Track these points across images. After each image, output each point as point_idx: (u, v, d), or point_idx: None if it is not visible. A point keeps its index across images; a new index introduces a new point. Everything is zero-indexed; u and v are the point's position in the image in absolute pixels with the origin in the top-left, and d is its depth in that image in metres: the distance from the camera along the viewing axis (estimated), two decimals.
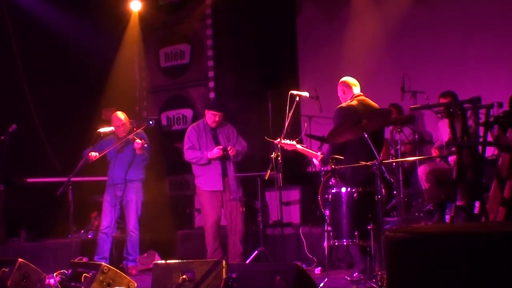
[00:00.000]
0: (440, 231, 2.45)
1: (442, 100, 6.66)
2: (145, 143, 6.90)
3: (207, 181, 6.93)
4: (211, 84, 9.33)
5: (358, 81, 5.77)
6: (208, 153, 6.86)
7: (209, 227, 6.90)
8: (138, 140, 6.90)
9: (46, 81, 8.48)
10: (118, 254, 7.34)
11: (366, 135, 4.91)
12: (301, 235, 7.24)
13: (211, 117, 6.97)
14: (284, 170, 6.11)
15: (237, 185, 6.97)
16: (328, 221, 5.37)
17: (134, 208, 7.15)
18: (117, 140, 7.12)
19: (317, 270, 6.68)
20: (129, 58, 9.66)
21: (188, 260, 5.13)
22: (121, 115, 7.22)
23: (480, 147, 4.82)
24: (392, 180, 6.30)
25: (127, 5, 9.42)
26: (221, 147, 6.85)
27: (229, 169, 6.95)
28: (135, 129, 7.12)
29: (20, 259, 5.67)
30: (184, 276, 4.85)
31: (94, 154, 6.89)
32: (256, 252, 6.75)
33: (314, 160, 5.88)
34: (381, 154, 6.26)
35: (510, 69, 7.60)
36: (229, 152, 6.84)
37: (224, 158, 6.89)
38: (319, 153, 5.88)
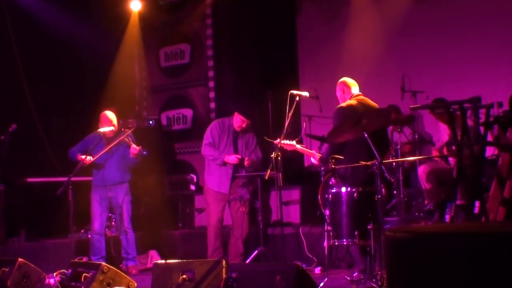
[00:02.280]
0: (440, 231, 2.46)
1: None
2: (144, 151, 6.84)
3: (215, 181, 6.94)
4: (211, 84, 9.34)
5: (358, 81, 5.77)
6: (226, 157, 6.86)
7: (212, 226, 6.91)
8: (134, 146, 6.82)
9: (46, 81, 8.47)
10: (117, 255, 7.33)
11: (366, 135, 4.91)
12: (301, 235, 7.24)
13: (239, 121, 6.92)
14: (284, 170, 6.11)
15: (243, 186, 6.96)
16: (328, 221, 5.37)
17: (126, 208, 7.13)
18: (105, 139, 7.04)
19: (317, 270, 6.68)
20: (129, 58, 9.66)
21: (188, 260, 5.13)
22: (110, 115, 7.10)
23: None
24: (392, 180, 6.30)
25: (127, 5, 9.43)
26: (239, 157, 6.85)
27: (241, 174, 6.97)
28: (123, 129, 7.03)
29: (20, 259, 5.67)
30: (184, 276, 4.86)
31: (89, 158, 6.80)
32: (256, 252, 6.75)
33: (312, 159, 5.88)
34: (388, 154, 6.28)
35: (510, 69, 7.60)
36: (245, 163, 6.85)
37: (238, 165, 6.90)
38: (313, 151, 5.90)
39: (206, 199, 7.14)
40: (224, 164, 6.88)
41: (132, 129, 7.04)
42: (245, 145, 7.01)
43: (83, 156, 6.81)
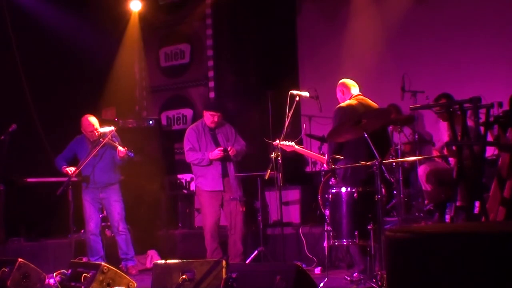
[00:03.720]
0: (440, 231, 2.45)
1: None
2: (130, 152, 6.79)
3: (207, 182, 6.94)
4: (211, 84, 9.33)
5: (358, 81, 5.78)
6: (210, 154, 6.86)
7: (208, 227, 6.91)
8: (121, 148, 6.80)
9: (46, 81, 8.47)
10: (116, 255, 7.31)
11: (366, 135, 4.92)
12: (301, 235, 7.24)
13: (209, 117, 6.96)
14: (284, 170, 6.11)
15: (237, 185, 6.98)
16: (328, 221, 5.38)
17: (119, 209, 7.13)
18: (89, 142, 7.03)
19: (317, 270, 6.68)
20: (129, 58, 9.66)
21: (188, 260, 5.14)
22: (92, 119, 7.07)
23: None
24: (392, 180, 6.30)
25: (127, 5, 9.42)
26: (222, 148, 6.85)
27: (230, 169, 6.96)
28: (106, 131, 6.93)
29: (20, 259, 5.67)
30: (184, 276, 4.86)
31: (72, 170, 6.77)
32: (256, 252, 6.75)
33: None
34: (388, 154, 6.27)
35: (510, 69, 7.60)
36: (230, 152, 6.85)
37: (224, 159, 6.90)
38: (314, 153, 5.90)
39: (200, 201, 7.15)
40: (211, 162, 6.88)
41: (115, 129, 6.95)
42: (226, 138, 7.03)
43: (69, 170, 6.80)
